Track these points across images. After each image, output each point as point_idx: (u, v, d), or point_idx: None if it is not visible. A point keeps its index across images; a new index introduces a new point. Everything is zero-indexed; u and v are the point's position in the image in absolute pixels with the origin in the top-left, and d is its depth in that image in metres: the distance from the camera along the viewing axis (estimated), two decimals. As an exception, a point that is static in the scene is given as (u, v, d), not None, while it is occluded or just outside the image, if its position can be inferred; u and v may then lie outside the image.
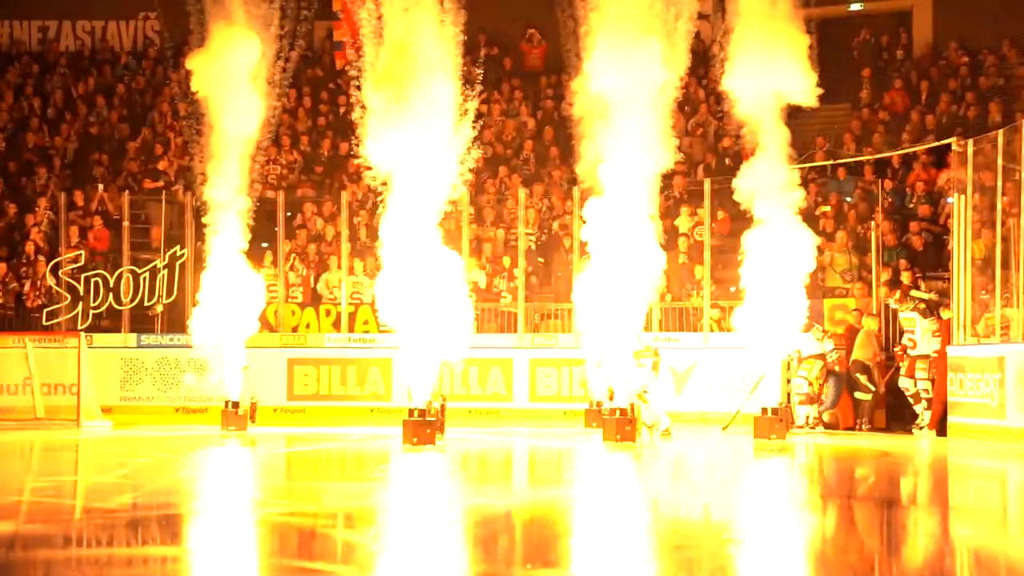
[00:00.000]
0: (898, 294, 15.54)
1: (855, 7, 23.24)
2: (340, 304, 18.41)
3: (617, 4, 13.24)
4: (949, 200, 16.38)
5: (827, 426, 15.91)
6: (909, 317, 15.34)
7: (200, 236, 17.74)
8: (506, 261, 18.69)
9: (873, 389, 15.71)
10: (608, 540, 7.10)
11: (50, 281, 18.66)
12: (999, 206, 14.50)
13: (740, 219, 19.03)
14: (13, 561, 6.10)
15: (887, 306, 16.47)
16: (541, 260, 19.20)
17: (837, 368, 15.96)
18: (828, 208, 18.49)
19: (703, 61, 21.76)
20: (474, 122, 13.46)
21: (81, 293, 18.44)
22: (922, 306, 15.31)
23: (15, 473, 10.95)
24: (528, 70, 23.55)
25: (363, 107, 13.20)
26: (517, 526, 7.71)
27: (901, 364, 15.49)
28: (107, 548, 6.61)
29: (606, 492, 9.78)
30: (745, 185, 14.53)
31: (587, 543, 7.05)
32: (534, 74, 23.32)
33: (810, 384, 15.32)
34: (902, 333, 15.59)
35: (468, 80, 13.28)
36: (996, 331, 14.33)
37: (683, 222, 18.75)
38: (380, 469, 11.23)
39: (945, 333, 15.00)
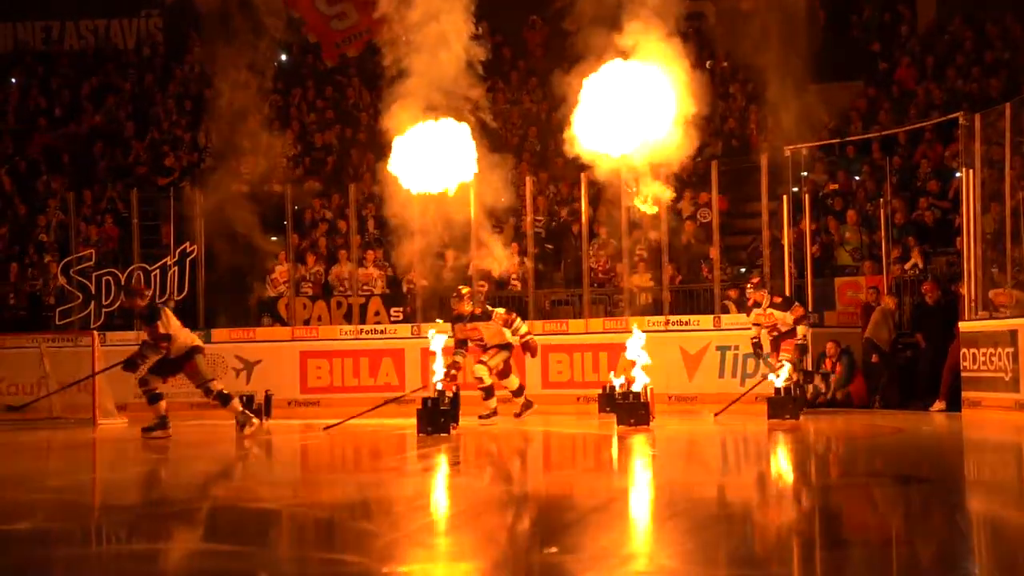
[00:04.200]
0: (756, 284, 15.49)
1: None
2: (351, 296, 18.50)
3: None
4: (957, 175, 16.36)
5: (842, 404, 15.98)
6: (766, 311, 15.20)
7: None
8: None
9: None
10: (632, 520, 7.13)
11: (62, 280, 18.74)
12: (1007, 179, 14.47)
13: (741, 201, 19.14)
14: (32, 559, 6.14)
15: (900, 283, 16.51)
16: (550, 247, 19.22)
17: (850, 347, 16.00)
18: (836, 186, 18.51)
19: (707, 43, 21.75)
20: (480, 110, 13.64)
21: (93, 292, 18.50)
22: (779, 300, 15.19)
23: (33, 471, 11.00)
24: (531, 57, 23.54)
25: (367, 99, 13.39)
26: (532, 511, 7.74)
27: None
28: (127, 544, 6.66)
29: (625, 475, 9.81)
30: None
31: (606, 522, 7.07)
32: (537, 61, 23.31)
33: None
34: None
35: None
36: (999, 305, 14.35)
37: (685, 205, 18.78)
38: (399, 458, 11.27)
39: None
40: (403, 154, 15.25)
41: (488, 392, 14.36)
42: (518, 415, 14.47)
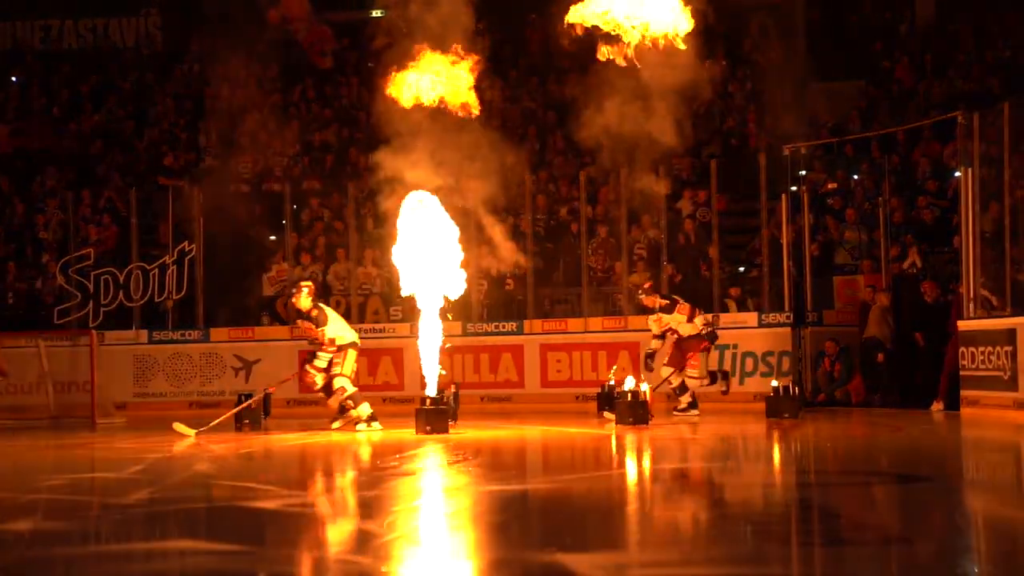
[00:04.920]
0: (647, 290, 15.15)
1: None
2: (350, 295, 18.48)
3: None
4: (956, 174, 16.36)
5: (840, 402, 15.99)
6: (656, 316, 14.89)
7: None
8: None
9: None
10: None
11: (60, 280, 18.74)
12: (1006, 178, 14.47)
13: (740, 200, 19.13)
14: (32, 558, 6.14)
15: (899, 282, 16.51)
16: (549, 246, 19.21)
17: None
18: (835, 185, 18.52)
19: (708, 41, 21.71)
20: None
21: (91, 291, 18.50)
22: (665, 303, 14.91)
23: (32, 471, 10.99)
24: (529, 56, 23.51)
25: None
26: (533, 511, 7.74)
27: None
28: (126, 544, 6.65)
29: (624, 474, 9.81)
30: None
31: (605, 521, 7.07)
32: (535, 60, 23.29)
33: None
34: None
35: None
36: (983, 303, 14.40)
37: (684, 204, 18.79)
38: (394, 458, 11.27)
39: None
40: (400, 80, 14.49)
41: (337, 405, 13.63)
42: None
